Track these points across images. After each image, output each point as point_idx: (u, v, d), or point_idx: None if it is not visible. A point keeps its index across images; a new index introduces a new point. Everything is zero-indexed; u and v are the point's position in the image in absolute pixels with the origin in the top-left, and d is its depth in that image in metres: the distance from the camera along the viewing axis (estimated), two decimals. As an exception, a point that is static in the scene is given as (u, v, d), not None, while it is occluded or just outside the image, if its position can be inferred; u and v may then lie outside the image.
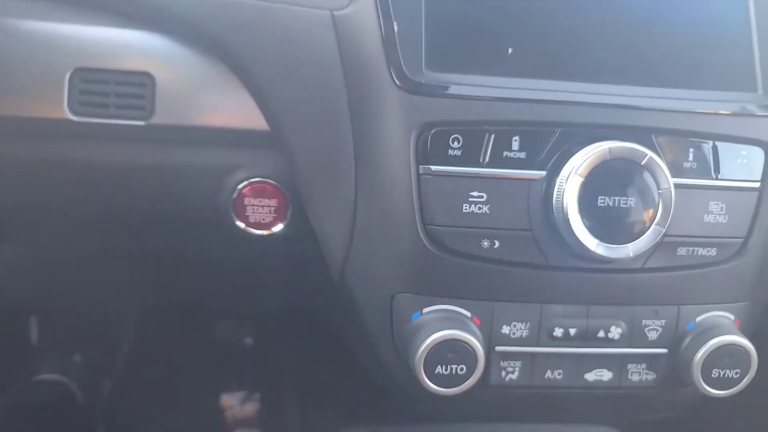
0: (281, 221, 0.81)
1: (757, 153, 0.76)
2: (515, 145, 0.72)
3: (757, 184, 0.76)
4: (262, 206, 0.81)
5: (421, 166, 0.72)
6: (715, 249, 0.75)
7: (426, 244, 0.72)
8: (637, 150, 0.70)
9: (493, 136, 0.72)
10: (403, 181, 0.72)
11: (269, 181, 0.80)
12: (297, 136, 0.74)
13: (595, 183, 0.70)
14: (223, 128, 0.77)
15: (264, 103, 0.75)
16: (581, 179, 0.69)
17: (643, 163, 0.70)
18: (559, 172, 0.71)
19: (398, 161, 0.72)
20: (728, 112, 0.75)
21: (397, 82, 0.71)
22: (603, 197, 0.69)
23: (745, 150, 0.76)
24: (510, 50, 0.74)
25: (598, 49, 0.75)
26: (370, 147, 0.73)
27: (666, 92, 0.75)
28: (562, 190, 0.70)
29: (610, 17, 0.76)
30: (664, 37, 0.77)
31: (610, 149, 0.70)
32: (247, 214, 0.80)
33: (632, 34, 0.76)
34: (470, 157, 0.72)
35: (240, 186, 0.80)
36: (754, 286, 0.79)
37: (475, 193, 0.72)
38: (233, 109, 0.76)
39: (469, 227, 0.72)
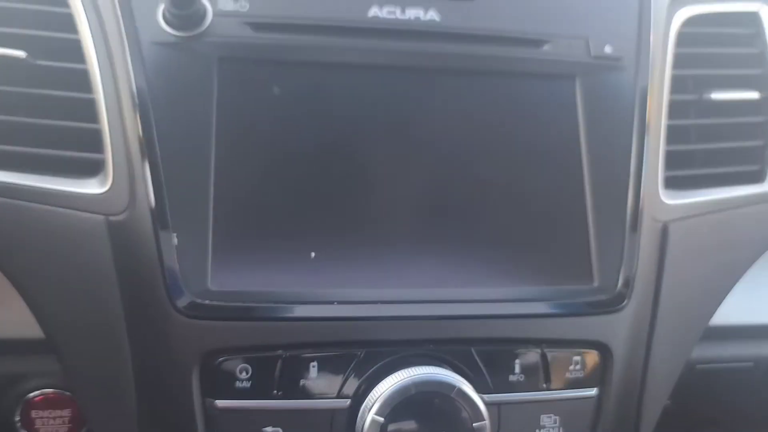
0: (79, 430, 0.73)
1: (592, 356, 0.69)
2: (313, 372, 0.64)
3: (593, 391, 0.69)
4: (54, 417, 0.72)
5: (207, 400, 0.63)
6: None
7: None
8: (445, 382, 0.62)
9: (286, 362, 0.63)
10: (188, 418, 0.63)
11: (59, 390, 0.71)
12: (70, 349, 0.66)
13: (400, 419, 0.62)
14: None
15: (37, 309, 0.66)
16: (381, 420, 0.61)
17: (452, 394, 0.62)
18: (363, 402, 0.63)
19: (181, 394, 0.63)
20: (558, 312, 0.67)
21: (176, 304, 0.62)
22: (410, 435, 0.62)
23: (578, 355, 0.68)
24: (312, 254, 0.65)
25: (411, 250, 0.67)
26: (149, 374, 0.65)
27: (487, 292, 0.67)
28: (367, 424, 0.62)
29: (423, 211, 0.67)
30: (488, 226, 0.68)
31: (414, 383, 0.62)
32: (36, 427, 0.72)
33: (454, 223, 0.68)
34: (261, 388, 0.63)
35: (25, 398, 0.71)
36: None
37: (269, 429, 0.63)
38: (6, 314, 0.67)
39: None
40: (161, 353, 0.64)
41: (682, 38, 0.76)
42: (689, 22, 0.77)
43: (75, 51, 0.65)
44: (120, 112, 0.64)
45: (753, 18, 0.79)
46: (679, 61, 0.75)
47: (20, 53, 0.63)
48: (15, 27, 0.66)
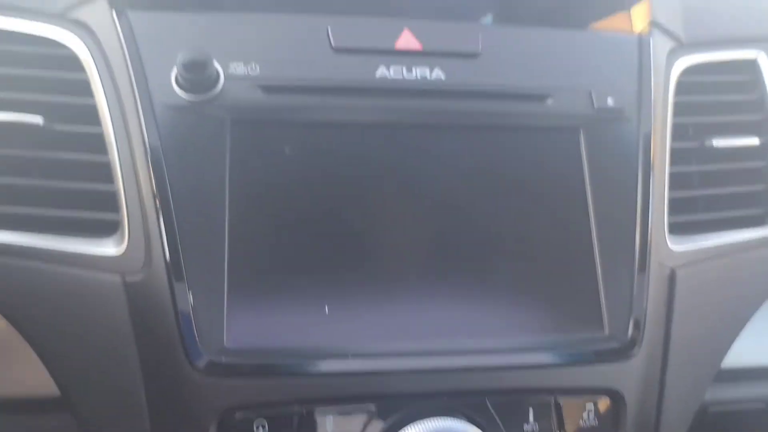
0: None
1: (605, 403, 0.69)
2: (330, 426, 0.64)
3: (608, 439, 0.69)
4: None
5: (224, 455, 0.64)
6: None
7: None
8: None
9: (302, 417, 0.64)
10: (206, 478, 0.63)
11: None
12: (87, 407, 0.66)
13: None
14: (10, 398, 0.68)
15: (53, 368, 0.66)
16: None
17: (467, 447, 0.62)
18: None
19: None
20: (570, 361, 0.68)
21: (194, 364, 0.63)
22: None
23: (591, 402, 0.69)
24: (326, 308, 0.66)
25: (423, 301, 0.68)
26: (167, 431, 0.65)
27: (499, 343, 0.67)
28: None
29: (433, 264, 0.68)
30: (498, 277, 0.69)
31: (428, 437, 0.62)
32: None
33: (463, 275, 0.69)
34: (277, 444, 0.64)
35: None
36: None
37: (287, 483, 0.64)
38: (22, 372, 0.68)
39: None
40: (179, 411, 0.65)
41: (682, 87, 0.78)
42: (688, 71, 0.79)
43: (90, 115, 0.67)
44: (135, 174, 0.65)
45: (751, 65, 0.81)
46: (679, 109, 0.77)
47: (38, 119, 0.65)
48: (33, 92, 0.67)
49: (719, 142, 0.77)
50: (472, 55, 0.71)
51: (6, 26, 0.68)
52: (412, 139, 0.70)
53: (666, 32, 0.79)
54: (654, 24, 0.79)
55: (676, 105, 0.77)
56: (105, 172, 0.66)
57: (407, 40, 0.71)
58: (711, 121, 0.79)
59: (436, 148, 0.70)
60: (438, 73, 0.70)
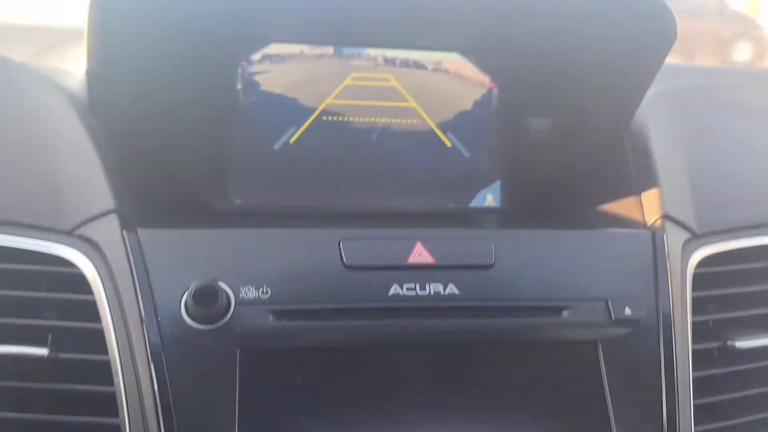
0: None
1: None
2: None
3: None
4: None
5: None
6: None
7: None
8: None
9: None
10: None
11: None
12: None
13: None
14: None
15: None
16: None
17: None
18: None
19: None
20: None
21: None
22: None
23: None
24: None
25: None
26: None
27: None
28: None
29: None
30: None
31: None
32: None
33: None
34: None
35: None
36: None
37: None
38: None
39: None
40: None
41: (699, 280, 0.76)
42: (704, 262, 0.77)
43: (97, 341, 0.65)
44: (141, 405, 0.63)
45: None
46: (698, 306, 0.75)
47: (43, 351, 0.63)
48: (39, 316, 0.66)
49: (743, 344, 0.74)
50: (485, 267, 0.70)
51: (13, 244, 0.67)
52: (427, 358, 0.68)
53: (679, 224, 0.78)
54: (666, 217, 0.78)
55: (695, 301, 0.75)
56: (110, 404, 0.64)
57: (420, 255, 0.70)
58: (732, 316, 0.77)
59: (452, 366, 0.68)
60: (452, 289, 0.69)
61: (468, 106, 0.96)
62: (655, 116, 0.91)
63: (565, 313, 0.70)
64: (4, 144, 0.72)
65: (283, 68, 0.92)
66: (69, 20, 1.24)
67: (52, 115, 0.77)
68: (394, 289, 0.68)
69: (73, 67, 0.87)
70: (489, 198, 0.97)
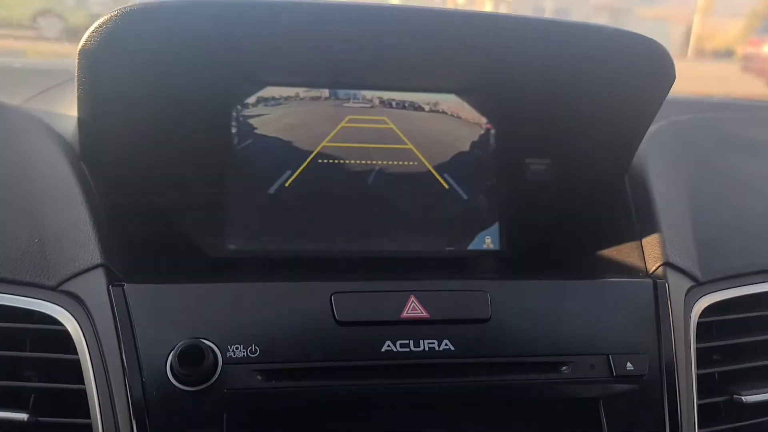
0: None
1: None
2: None
3: None
4: None
5: None
6: None
7: None
8: None
9: None
10: None
11: None
12: None
13: None
14: None
15: None
16: None
17: None
18: None
19: None
20: None
21: None
22: None
23: None
24: None
25: None
26: None
27: None
28: None
29: None
30: None
31: None
32: None
33: None
34: None
35: None
36: None
37: None
38: None
39: None
40: None
41: (703, 330, 0.74)
42: (708, 311, 0.75)
43: (79, 403, 0.63)
44: None
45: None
46: (703, 358, 0.73)
47: (22, 416, 0.61)
48: (21, 377, 0.64)
49: (749, 398, 0.72)
50: (481, 321, 0.68)
51: (-4, 301, 0.66)
52: (422, 418, 0.66)
53: (681, 272, 0.76)
54: (668, 264, 0.75)
55: (699, 353, 0.72)
56: None
57: (413, 309, 0.68)
58: (738, 368, 0.74)
59: (447, 425, 0.66)
60: (447, 345, 0.67)
61: (465, 147, 0.95)
62: (655, 155, 0.89)
63: (564, 368, 0.68)
64: None
65: (278, 111, 0.91)
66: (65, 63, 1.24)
67: (42, 162, 0.76)
68: (387, 346, 0.66)
69: (68, 110, 0.86)
70: (487, 241, 0.96)
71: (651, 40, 0.74)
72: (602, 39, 0.75)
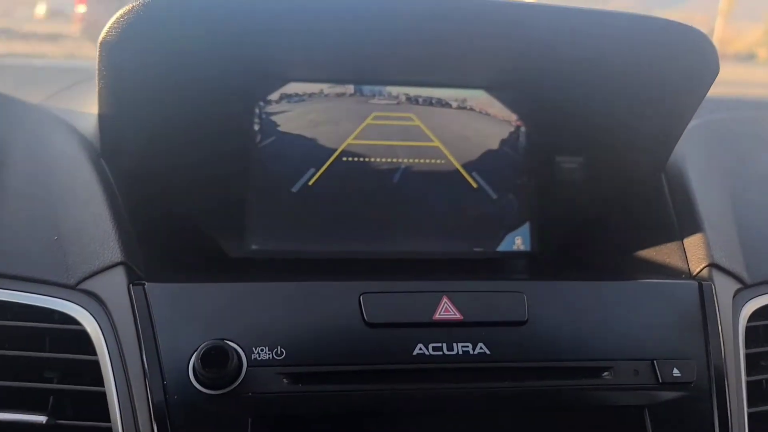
0: None
1: None
2: None
3: None
4: None
5: None
6: None
7: None
8: None
9: None
10: None
11: None
12: None
13: None
14: None
15: None
16: None
17: None
18: None
19: None
20: None
21: None
22: None
23: None
24: None
25: None
26: None
27: None
28: None
29: None
30: None
31: None
32: None
33: None
34: None
35: None
36: None
37: None
38: None
39: None
40: None
41: (752, 334, 0.70)
42: (757, 314, 0.71)
43: (99, 405, 0.60)
44: None
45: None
46: (752, 364, 0.69)
47: (41, 418, 0.59)
48: (39, 379, 0.62)
49: None
50: (518, 324, 0.64)
51: (16, 299, 0.63)
52: (455, 424, 0.62)
53: (728, 273, 0.72)
54: (713, 266, 0.72)
55: (749, 359, 0.69)
56: None
57: (446, 311, 0.64)
58: None
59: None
60: (482, 348, 0.63)
61: (494, 145, 0.92)
62: (693, 152, 0.85)
63: (606, 374, 0.64)
64: (13, 191, 0.69)
65: (302, 108, 0.89)
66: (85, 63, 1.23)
67: (63, 160, 0.74)
68: (419, 349, 0.63)
69: (87, 108, 0.85)
70: (518, 241, 0.92)
71: (693, 28, 0.71)
72: (641, 28, 0.72)
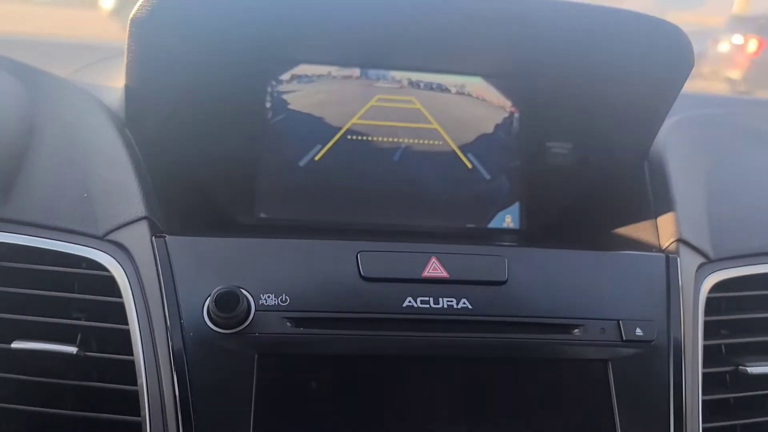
0: None
1: None
2: None
3: None
4: None
5: None
6: None
7: None
8: None
9: None
10: None
11: None
12: None
13: None
14: None
15: None
16: None
17: None
18: None
19: None
20: None
21: None
22: None
23: None
24: None
25: None
26: None
27: None
28: None
29: None
30: None
31: None
32: None
33: None
34: None
35: None
36: None
37: None
38: None
39: None
40: None
41: (712, 304, 0.77)
42: (718, 286, 0.78)
43: (123, 341, 0.68)
44: (161, 405, 0.65)
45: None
46: (710, 330, 0.76)
47: (72, 349, 0.66)
48: (69, 316, 0.69)
49: (754, 370, 0.75)
50: (498, 283, 0.72)
51: (49, 246, 0.71)
52: (439, 370, 0.70)
53: (694, 249, 0.79)
54: (681, 241, 0.79)
55: (707, 325, 0.76)
56: (133, 400, 0.66)
57: (434, 269, 0.72)
58: (744, 342, 0.77)
59: (462, 380, 0.70)
60: (464, 303, 0.71)
61: (489, 129, 0.99)
62: (674, 143, 0.92)
63: (576, 331, 0.72)
64: (46, 154, 0.76)
65: (311, 88, 0.96)
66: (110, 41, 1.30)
67: (90, 128, 0.81)
68: (409, 302, 0.70)
69: (113, 82, 0.92)
70: (508, 219, 0.99)
71: (670, 24, 0.77)
72: (623, 22, 0.79)
